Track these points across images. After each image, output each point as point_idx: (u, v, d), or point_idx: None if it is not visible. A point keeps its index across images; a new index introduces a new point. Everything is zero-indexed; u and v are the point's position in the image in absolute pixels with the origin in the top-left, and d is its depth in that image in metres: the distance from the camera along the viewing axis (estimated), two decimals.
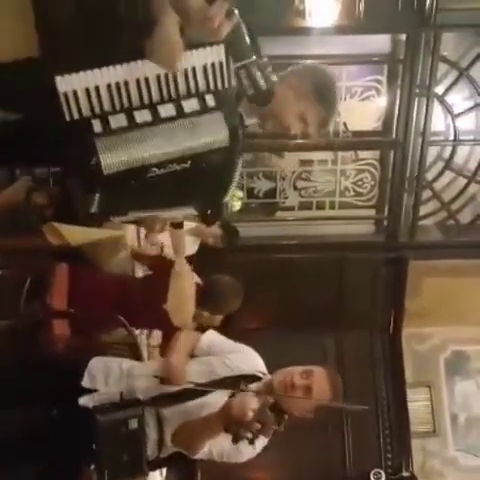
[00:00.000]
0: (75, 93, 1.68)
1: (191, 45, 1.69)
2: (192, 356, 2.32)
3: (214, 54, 1.69)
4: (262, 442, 2.17)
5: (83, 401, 2.12)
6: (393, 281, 4.81)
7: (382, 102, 4.51)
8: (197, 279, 3.11)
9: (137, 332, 2.87)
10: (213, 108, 1.75)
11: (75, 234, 2.90)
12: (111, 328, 2.77)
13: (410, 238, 4.70)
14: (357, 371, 4.64)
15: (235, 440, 1.97)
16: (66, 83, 1.66)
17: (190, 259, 3.47)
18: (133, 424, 2.03)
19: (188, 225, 3.61)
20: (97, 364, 2.22)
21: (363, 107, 4.51)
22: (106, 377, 2.20)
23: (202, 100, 1.74)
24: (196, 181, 1.82)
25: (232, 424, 1.95)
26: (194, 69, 1.71)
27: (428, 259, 4.74)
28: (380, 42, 4.29)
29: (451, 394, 4.91)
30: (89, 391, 2.17)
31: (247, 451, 2.16)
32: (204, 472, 4.05)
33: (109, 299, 2.74)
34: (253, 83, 1.73)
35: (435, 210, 4.75)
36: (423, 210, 4.69)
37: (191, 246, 3.69)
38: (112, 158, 1.71)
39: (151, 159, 1.74)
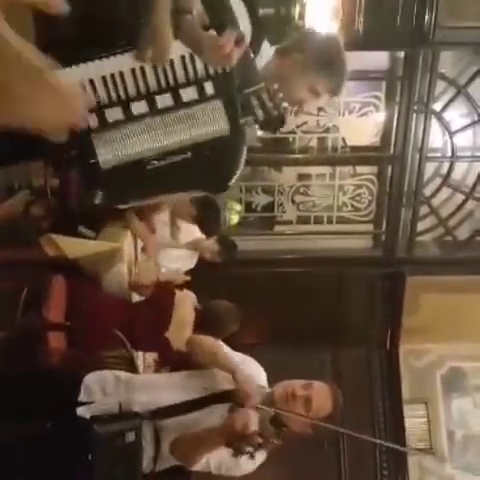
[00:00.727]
0: None
1: None
2: (198, 366, 2.31)
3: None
4: (261, 456, 2.16)
5: (80, 411, 2.10)
6: (390, 296, 4.80)
7: (380, 118, 4.53)
8: (196, 303, 3.13)
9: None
10: (212, 96, 1.68)
11: (72, 246, 2.90)
12: (109, 346, 2.75)
13: (408, 253, 4.71)
14: (354, 387, 4.62)
15: (236, 454, 1.96)
16: (60, 78, 1.63)
17: (188, 274, 3.49)
18: (130, 437, 2.01)
19: (187, 239, 3.62)
20: (92, 377, 2.21)
21: (361, 122, 4.53)
22: (103, 388, 2.18)
23: (201, 88, 1.68)
24: (199, 168, 1.75)
25: (234, 438, 1.94)
26: (192, 55, 1.64)
27: (425, 275, 4.74)
28: (379, 59, 4.32)
29: (448, 411, 4.89)
30: (85, 403, 2.15)
31: (246, 465, 2.15)
32: None
33: (111, 319, 2.72)
34: (263, 109, 1.70)
35: (433, 226, 4.76)
36: (421, 226, 4.70)
37: (189, 260, 3.70)
38: (109, 153, 1.68)
39: (149, 152, 1.70)
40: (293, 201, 4.85)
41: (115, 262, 3.04)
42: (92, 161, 1.68)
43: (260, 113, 1.71)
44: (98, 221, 3.10)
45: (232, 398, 2.15)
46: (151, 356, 3.21)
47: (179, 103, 1.68)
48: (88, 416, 2.06)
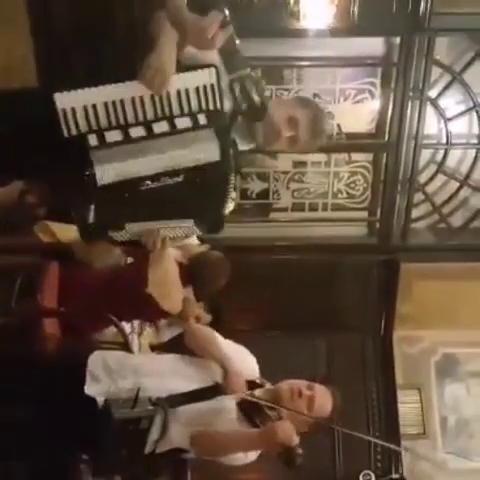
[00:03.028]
0: (73, 110, 1.75)
1: (185, 68, 1.76)
2: (195, 354, 2.32)
3: (206, 77, 1.77)
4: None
5: (90, 391, 2.11)
6: (384, 283, 4.82)
7: (375, 105, 4.52)
8: (180, 258, 3.06)
9: (128, 330, 2.86)
10: (205, 126, 1.82)
11: (67, 232, 2.89)
12: (101, 326, 2.76)
13: (402, 241, 4.72)
14: (348, 373, 4.65)
15: (289, 465, 1.98)
16: (65, 100, 1.75)
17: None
18: (144, 424, 2.05)
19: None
20: (94, 361, 2.21)
21: (356, 109, 4.52)
22: (107, 370, 2.19)
23: (194, 118, 1.82)
24: (191, 194, 1.87)
25: (277, 447, 1.97)
26: (187, 90, 1.79)
27: (420, 262, 4.75)
28: (374, 45, 4.30)
29: (441, 397, 4.93)
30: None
31: (251, 456, 2.22)
32: (194, 472, 4.05)
33: (96, 294, 2.73)
34: (247, 97, 1.79)
35: (427, 213, 4.77)
36: (415, 213, 4.71)
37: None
38: (106, 170, 1.76)
39: (144, 172, 1.80)
40: (288, 188, 4.85)
41: (110, 248, 3.04)
42: (87, 173, 1.76)
43: (243, 101, 1.81)
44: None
45: (222, 389, 2.19)
46: (147, 339, 3.23)
47: (174, 129, 1.82)
48: (101, 398, 2.08)
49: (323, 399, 2.25)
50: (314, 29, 3.93)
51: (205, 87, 1.79)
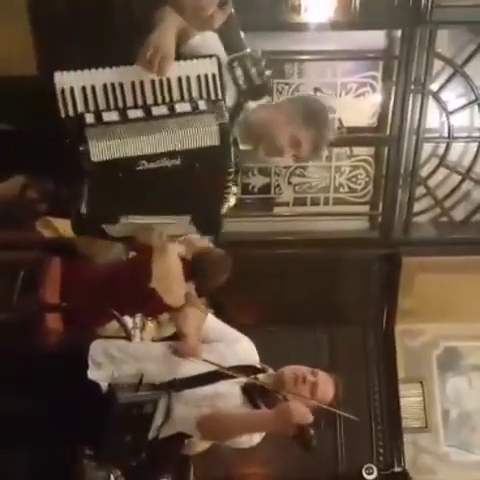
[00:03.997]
0: (72, 90, 1.73)
1: (187, 56, 1.75)
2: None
3: (208, 66, 1.75)
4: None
5: (93, 376, 2.13)
6: (386, 277, 4.83)
7: (377, 98, 4.51)
8: (183, 253, 3.07)
9: (130, 325, 2.87)
10: (205, 111, 1.79)
11: (69, 227, 2.89)
12: (103, 321, 2.76)
13: (404, 234, 4.72)
14: (350, 367, 4.66)
15: (306, 447, 1.97)
16: (64, 79, 1.73)
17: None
18: (148, 409, 2.06)
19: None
20: (95, 348, 2.23)
21: (358, 103, 4.50)
22: (109, 355, 2.21)
23: (194, 104, 1.79)
24: (188, 183, 1.82)
25: (292, 428, 1.97)
26: (188, 78, 1.77)
27: (421, 256, 4.76)
28: (375, 38, 4.28)
29: (443, 390, 4.94)
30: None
31: (255, 438, 2.24)
32: (197, 467, 4.07)
33: (98, 288, 2.73)
34: (246, 76, 1.76)
35: (429, 207, 4.76)
36: (417, 207, 4.70)
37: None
38: (101, 146, 1.73)
39: (140, 151, 1.75)
40: (290, 182, 4.84)
41: (111, 243, 3.04)
42: (82, 148, 1.72)
43: (242, 81, 1.79)
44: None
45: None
46: (148, 334, 3.24)
47: (173, 113, 1.78)
48: (105, 383, 2.10)
49: (326, 386, 2.27)
50: (315, 22, 3.91)
51: (206, 76, 1.77)
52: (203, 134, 1.78)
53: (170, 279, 2.80)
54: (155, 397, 2.08)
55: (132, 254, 3.11)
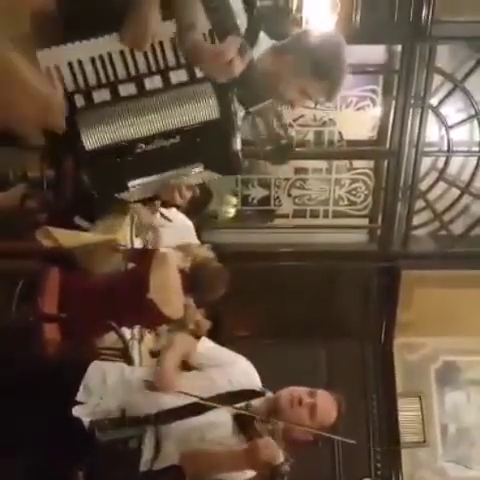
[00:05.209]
0: (58, 68, 1.59)
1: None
2: (189, 366, 2.23)
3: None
4: None
5: (77, 412, 2.02)
6: (385, 291, 4.82)
7: (377, 112, 4.53)
8: (183, 265, 3.06)
9: (128, 336, 2.86)
10: (202, 79, 1.63)
11: (68, 237, 2.90)
12: (102, 332, 2.75)
13: (403, 248, 4.72)
14: (348, 381, 4.64)
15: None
16: (48, 57, 1.58)
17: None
18: (133, 444, 1.97)
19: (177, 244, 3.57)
20: (94, 373, 2.13)
21: (358, 117, 4.53)
22: (102, 387, 2.10)
23: (191, 70, 1.63)
24: (192, 148, 1.69)
25: (262, 467, 1.90)
26: None
27: (420, 269, 4.75)
28: (376, 52, 4.32)
29: (441, 404, 4.92)
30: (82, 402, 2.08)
31: (249, 472, 2.10)
32: None
33: (96, 299, 2.72)
34: (270, 132, 1.66)
35: (428, 220, 4.77)
36: (416, 220, 4.71)
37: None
38: (94, 134, 1.63)
39: (136, 134, 1.65)
40: (289, 195, 4.85)
41: (111, 253, 3.04)
42: (74, 137, 1.62)
43: (265, 138, 1.66)
44: (95, 212, 3.09)
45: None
46: (146, 346, 3.22)
47: (168, 85, 1.63)
48: (87, 419, 1.99)
49: (326, 406, 2.15)
50: None
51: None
52: (201, 108, 1.64)
53: (168, 290, 2.79)
54: (137, 433, 1.98)
55: (131, 265, 3.11)
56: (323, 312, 4.71)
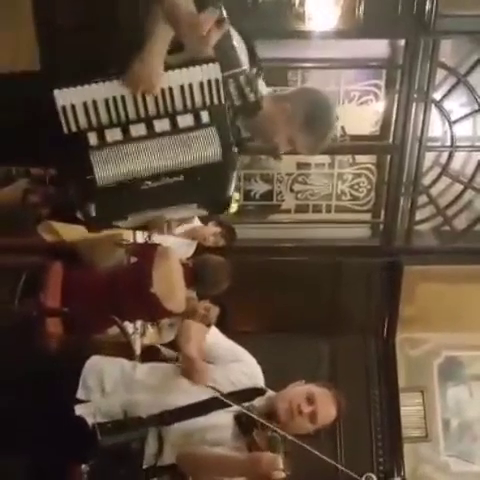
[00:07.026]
0: (73, 107, 1.73)
1: (189, 62, 1.74)
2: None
3: (211, 72, 1.74)
4: None
5: (79, 411, 2.02)
6: (388, 286, 4.81)
7: (380, 107, 4.52)
8: (184, 259, 3.07)
9: (131, 331, 2.86)
10: (207, 124, 1.80)
11: (71, 232, 2.90)
12: (104, 327, 2.76)
13: (405, 243, 4.71)
14: (350, 375, 4.64)
15: None
16: (64, 97, 1.72)
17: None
18: (135, 445, 1.98)
19: (182, 228, 3.60)
20: (90, 372, 2.13)
21: (361, 111, 4.52)
22: (101, 384, 2.10)
23: (197, 116, 1.79)
24: (192, 188, 1.85)
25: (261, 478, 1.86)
26: (191, 85, 1.77)
27: (423, 264, 4.74)
28: (379, 47, 4.30)
29: (444, 399, 4.91)
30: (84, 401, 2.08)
31: None
32: None
33: (99, 293, 2.73)
34: (240, 94, 1.78)
35: (431, 215, 4.76)
36: (419, 215, 4.70)
37: (186, 249, 3.68)
38: (106, 171, 1.76)
39: (144, 172, 1.79)
40: (292, 190, 4.85)
41: (114, 248, 3.04)
42: (89, 177, 1.75)
43: (237, 97, 1.80)
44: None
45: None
46: (149, 340, 3.22)
47: (176, 128, 1.79)
48: (89, 419, 1.98)
49: (326, 408, 2.15)
50: (319, 31, 3.93)
51: (210, 82, 1.76)
52: (206, 151, 1.80)
53: (171, 284, 2.80)
54: (140, 436, 1.98)
55: (133, 259, 3.11)
56: (325, 307, 4.71)
